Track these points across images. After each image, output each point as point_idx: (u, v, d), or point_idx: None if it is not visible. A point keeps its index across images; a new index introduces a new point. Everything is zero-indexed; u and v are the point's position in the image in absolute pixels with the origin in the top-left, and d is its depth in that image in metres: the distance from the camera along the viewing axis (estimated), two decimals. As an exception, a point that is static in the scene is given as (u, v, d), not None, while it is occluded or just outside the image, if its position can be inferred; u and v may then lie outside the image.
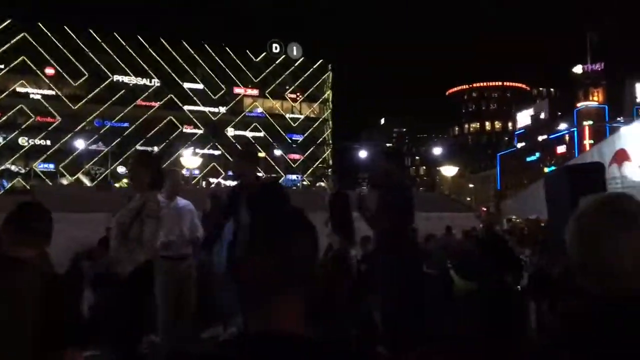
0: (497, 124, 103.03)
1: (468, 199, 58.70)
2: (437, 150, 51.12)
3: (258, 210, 1.33)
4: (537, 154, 70.47)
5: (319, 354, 1.18)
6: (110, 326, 4.48)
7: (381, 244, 5.24)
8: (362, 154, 42.61)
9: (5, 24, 50.37)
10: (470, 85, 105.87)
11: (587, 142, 58.17)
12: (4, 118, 50.77)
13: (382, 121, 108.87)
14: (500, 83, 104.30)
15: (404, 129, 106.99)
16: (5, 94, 50.55)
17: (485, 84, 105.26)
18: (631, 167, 9.45)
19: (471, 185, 67.94)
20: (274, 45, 61.41)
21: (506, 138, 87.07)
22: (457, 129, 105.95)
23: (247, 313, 1.29)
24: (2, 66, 50.55)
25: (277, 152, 58.59)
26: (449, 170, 30.42)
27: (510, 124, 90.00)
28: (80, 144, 49.10)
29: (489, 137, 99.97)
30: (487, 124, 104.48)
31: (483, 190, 66.62)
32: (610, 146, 10.15)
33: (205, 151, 54.18)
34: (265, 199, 4.69)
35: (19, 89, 51.29)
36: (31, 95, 51.65)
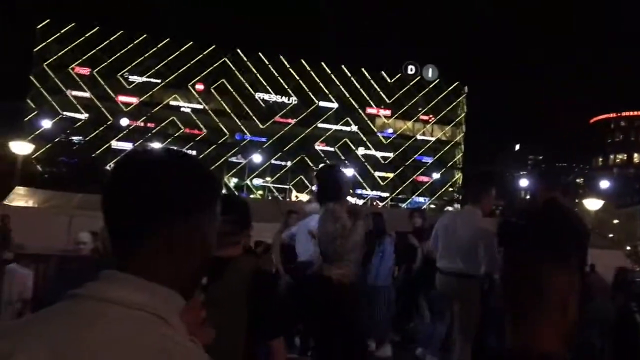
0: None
1: (610, 235, 54.24)
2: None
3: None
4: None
5: None
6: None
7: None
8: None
9: (165, 41, 55.31)
10: (619, 114, 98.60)
11: None
12: (157, 128, 55.64)
13: (517, 147, 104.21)
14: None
15: (540, 157, 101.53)
16: (160, 106, 55.43)
17: (635, 113, 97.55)
18: None
19: (616, 221, 62.75)
20: (410, 66, 61.47)
21: (658, 172, 79.65)
22: (600, 159, 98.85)
23: (507, 331, 1.40)
24: (159, 80, 55.54)
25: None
26: (593, 204, 28.22)
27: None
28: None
29: (637, 170, 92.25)
30: (636, 155, 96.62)
31: (629, 228, 61.27)
32: None
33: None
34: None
35: (172, 103, 55.98)
36: (182, 109, 56.16)
